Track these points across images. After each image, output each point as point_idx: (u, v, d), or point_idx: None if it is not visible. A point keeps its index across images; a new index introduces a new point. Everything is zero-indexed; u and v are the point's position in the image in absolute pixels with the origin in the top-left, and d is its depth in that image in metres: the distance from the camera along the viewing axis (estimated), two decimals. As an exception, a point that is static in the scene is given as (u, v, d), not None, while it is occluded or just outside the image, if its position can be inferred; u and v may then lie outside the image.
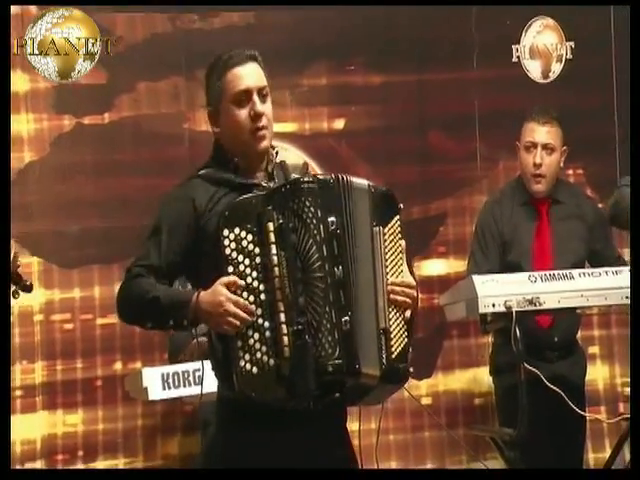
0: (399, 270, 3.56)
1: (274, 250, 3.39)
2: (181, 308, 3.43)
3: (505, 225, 5.34)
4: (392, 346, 3.50)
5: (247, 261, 3.40)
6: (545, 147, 5.22)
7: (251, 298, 3.38)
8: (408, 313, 3.52)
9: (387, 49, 5.81)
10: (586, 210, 5.39)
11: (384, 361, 3.48)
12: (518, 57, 5.98)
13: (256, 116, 3.49)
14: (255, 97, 3.50)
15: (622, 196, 4.61)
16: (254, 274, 3.40)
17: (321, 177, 3.50)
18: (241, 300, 3.37)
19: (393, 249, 3.58)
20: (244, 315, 3.35)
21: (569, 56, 6.02)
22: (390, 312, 3.51)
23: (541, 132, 5.23)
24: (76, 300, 5.45)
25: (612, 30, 5.96)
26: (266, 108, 3.49)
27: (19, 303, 5.08)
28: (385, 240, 3.56)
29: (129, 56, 5.47)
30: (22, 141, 5.38)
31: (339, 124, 5.83)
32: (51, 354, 5.38)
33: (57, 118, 5.43)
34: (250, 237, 3.42)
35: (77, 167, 5.44)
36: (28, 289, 4.12)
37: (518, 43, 5.96)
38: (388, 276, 3.55)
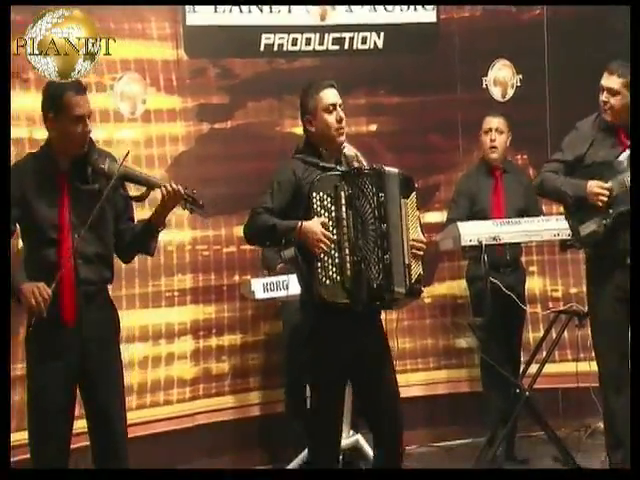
0: (416, 229, 3.88)
1: (344, 209, 3.72)
2: (290, 231, 3.71)
3: (472, 186, 5.78)
4: (412, 274, 3.82)
5: (326, 214, 3.72)
6: (497, 130, 5.72)
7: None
8: (421, 253, 3.90)
9: (402, 81, 6.06)
10: (523, 179, 5.87)
11: (407, 284, 3.80)
12: (486, 85, 6.24)
13: (340, 119, 3.86)
14: (338, 108, 3.88)
15: (543, 179, 4.88)
16: (330, 223, 3.71)
17: (375, 167, 3.82)
18: (328, 234, 3.67)
19: (412, 215, 3.85)
20: (329, 243, 3.69)
21: (518, 84, 6.28)
22: (410, 254, 3.81)
23: (494, 121, 5.77)
24: (210, 237, 5.70)
25: (546, 68, 6.20)
26: (344, 116, 3.93)
27: (177, 238, 5.53)
28: (407, 208, 3.83)
29: (242, 85, 5.79)
30: (178, 139, 5.62)
31: (373, 128, 6.04)
32: (195, 270, 5.69)
33: (199, 124, 5.71)
34: (329, 199, 3.72)
35: (211, 155, 5.68)
36: (201, 207, 3.89)
37: (486, 76, 6.24)
38: (410, 232, 3.81)
